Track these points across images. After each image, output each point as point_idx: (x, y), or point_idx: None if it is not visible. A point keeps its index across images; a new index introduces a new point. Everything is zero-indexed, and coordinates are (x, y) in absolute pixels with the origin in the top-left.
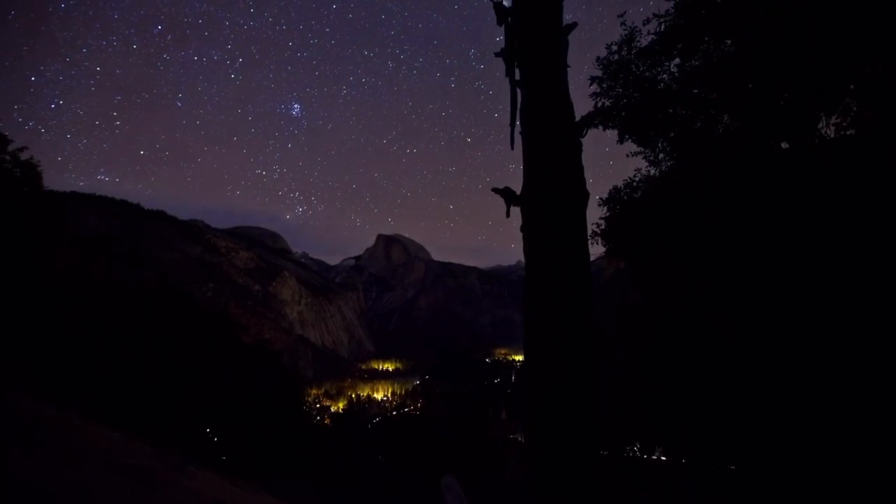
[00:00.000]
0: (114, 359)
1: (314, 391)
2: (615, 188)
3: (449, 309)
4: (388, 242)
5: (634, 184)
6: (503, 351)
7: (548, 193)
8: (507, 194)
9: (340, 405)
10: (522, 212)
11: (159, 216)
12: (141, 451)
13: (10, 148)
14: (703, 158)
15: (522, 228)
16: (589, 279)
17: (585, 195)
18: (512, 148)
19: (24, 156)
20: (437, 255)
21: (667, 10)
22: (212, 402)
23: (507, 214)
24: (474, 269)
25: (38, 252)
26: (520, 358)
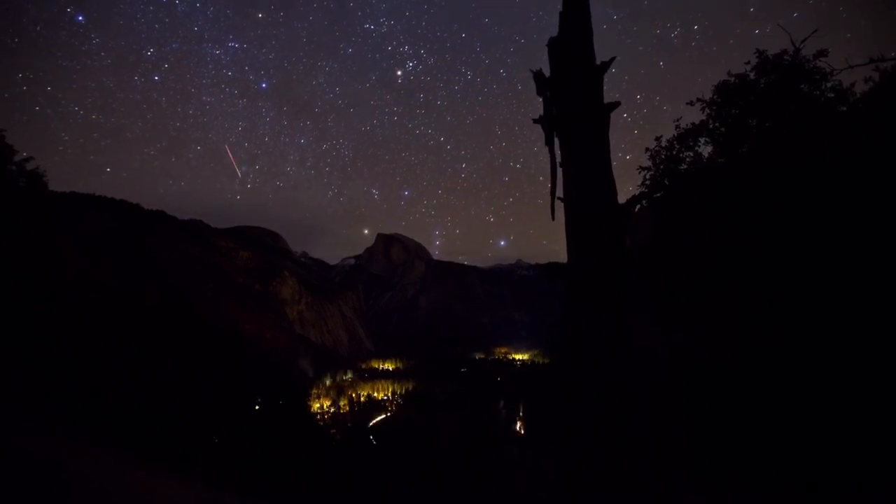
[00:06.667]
0: (115, 365)
1: (314, 391)
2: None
3: (449, 308)
4: (387, 242)
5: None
6: (503, 350)
7: (592, 276)
8: (551, 270)
9: (342, 405)
10: (567, 286)
11: (159, 216)
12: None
13: (16, 158)
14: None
15: (566, 307)
16: (628, 347)
17: (629, 276)
18: (553, 219)
19: (29, 166)
20: (437, 255)
21: (711, 98)
22: (213, 405)
23: (551, 286)
24: (474, 268)
25: (40, 260)
26: (520, 357)
